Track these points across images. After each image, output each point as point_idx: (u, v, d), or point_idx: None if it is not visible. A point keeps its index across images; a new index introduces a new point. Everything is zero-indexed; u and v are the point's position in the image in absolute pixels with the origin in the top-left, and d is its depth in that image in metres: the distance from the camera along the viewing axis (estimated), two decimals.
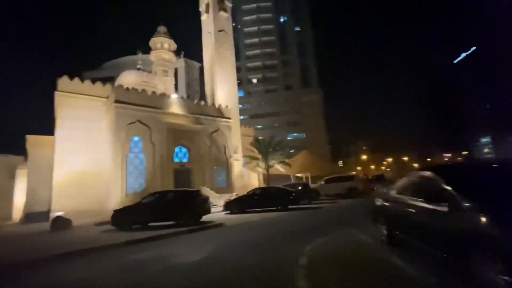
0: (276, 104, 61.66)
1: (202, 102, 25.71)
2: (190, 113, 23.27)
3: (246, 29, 66.55)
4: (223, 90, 29.72)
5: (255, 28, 66.38)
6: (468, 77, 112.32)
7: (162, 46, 49.50)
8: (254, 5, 66.96)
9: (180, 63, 61.19)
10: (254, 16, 66.60)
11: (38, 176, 21.67)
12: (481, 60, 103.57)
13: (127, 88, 20.84)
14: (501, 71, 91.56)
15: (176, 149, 22.58)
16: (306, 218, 10.74)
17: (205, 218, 11.21)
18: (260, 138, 26.15)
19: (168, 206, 10.43)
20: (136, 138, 20.33)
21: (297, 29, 65.87)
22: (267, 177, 23.96)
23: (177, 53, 53.45)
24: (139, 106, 20.52)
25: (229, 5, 33.28)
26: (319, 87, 62.43)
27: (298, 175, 33.57)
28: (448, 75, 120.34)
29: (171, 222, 10.51)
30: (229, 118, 26.40)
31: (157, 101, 21.76)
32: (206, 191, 20.54)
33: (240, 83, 61.11)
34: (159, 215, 10.41)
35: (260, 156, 23.94)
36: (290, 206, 13.43)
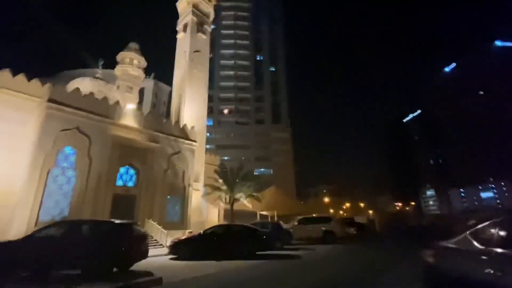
0: (245, 137, 60.01)
1: (164, 120, 22.38)
2: (146, 128, 19.64)
3: (222, 61, 67.06)
4: (191, 110, 26.89)
5: (232, 62, 67.32)
6: (415, 135, 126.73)
7: (131, 61, 46.32)
8: (233, 40, 68.85)
9: (149, 83, 57.78)
10: (232, 51, 68.00)
11: None
12: (426, 121, 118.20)
13: (69, 90, 16.90)
14: (442, 131, 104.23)
15: (122, 170, 18.30)
16: (288, 275, 7.58)
17: (138, 265, 7.44)
18: (225, 162, 22.94)
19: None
20: (68, 150, 15.87)
21: (272, 69, 68.29)
22: (231, 213, 20.33)
23: (147, 72, 50.57)
24: (81, 111, 16.51)
25: (208, 29, 32.40)
26: (289, 126, 62.95)
27: (264, 213, 30.40)
28: (400, 132, 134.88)
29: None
30: (194, 141, 23.16)
31: (106, 109, 17.95)
32: (151, 225, 16.25)
33: (211, 111, 59.06)
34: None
35: (224, 187, 20.54)
36: (259, 252, 10.17)
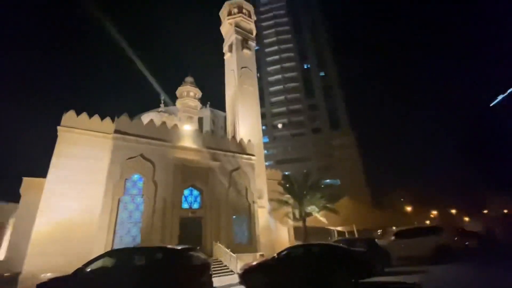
0: (303, 148, 56.88)
1: (220, 136, 21.86)
2: (204, 147, 19.21)
3: (270, 78, 67.13)
4: (246, 126, 26.10)
5: (279, 76, 66.77)
6: (510, 119, 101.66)
7: (188, 94, 49.96)
8: (277, 56, 68.81)
9: (206, 112, 61.42)
10: (278, 66, 67.71)
11: (26, 226, 17.78)
12: None
13: (131, 119, 17.74)
14: None
15: (186, 192, 17.93)
16: None
17: None
18: (288, 174, 20.63)
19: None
20: (136, 177, 16.22)
21: (322, 73, 64.95)
22: (304, 230, 17.64)
23: (203, 102, 53.73)
24: (143, 138, 16.98)
25: (253, 45, 32.26)
26: (350, 129, 57.37)
27: (339, 228, 26.53)
28: (489, 119, 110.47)
29: None
30: (252, 155, 21.87)
31: (165, 133, 18.22)
32: (219, 248, 14.89)
33: (265, 129, 58.48)
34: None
35: (292, 201, 18.19)
36: (361, 280, 7.43)
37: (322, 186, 19.15)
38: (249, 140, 22.47)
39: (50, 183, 16.92)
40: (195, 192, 18.34)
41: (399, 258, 11.97)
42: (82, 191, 17.03)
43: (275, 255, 9.05)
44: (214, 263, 14.77)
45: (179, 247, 6.41)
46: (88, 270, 5.72)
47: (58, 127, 18.69)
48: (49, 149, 18.97)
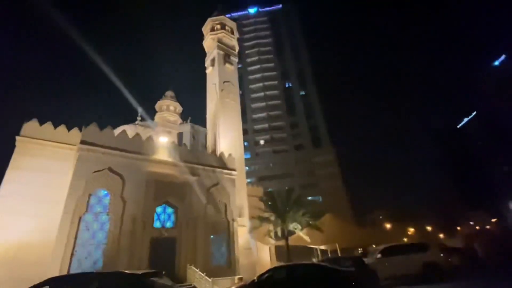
0: (286, 165, 56.62)
1: (199, 149, 20.83)
2: (181, 161, 18.01)
3: (252, 95, 67.75)
4: (227, 139, 25.28)
5: (261, 94, 67.60)
6: (477, 140, 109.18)
7: (168, 108, 48.69)
8: (259, 74, 70.08)
9: (186, 127, 59.85)
10: (260, 84, 68.76)
11: None
12: (486, 122, 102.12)
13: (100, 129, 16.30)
14: (507, 133, 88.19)
15: (158, 209, 16.41)
16: None
17: None
18: (270, 190, 19.73)
19: None
20: (102, 192, 14.60)
21: (302, 93, 66.63)
22: (287, 249, 16.54)
23: (184, 118, 52.61)
24: (113, 150, 15.57)
25: (235, 60, 32.33)
26: (331, 147, 58.25)
27: (322, 247, 25.64)
28: (457, 140, 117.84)
29: None
30: (233, 170, 20.89)
31: (138, 145, 16.91)
32: (193, 272, 13.43)
33: (247, 145, 57.89)
34: None
35: (273, 218, 17.19)
36: None
37: (307, 200, 18.37)
38: (230, 154, 21.57)
39: (3, 198, 14.84)
40: (169, 210, 16.86)
41: (386, 277, 11.26)
42: (40, 208, 15.08)
43: (254, 278, 8.00)
44: None
45: (139, 272, 5.25)
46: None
47: (17, 137, 16.82)
48: (5, 161, 16.89)
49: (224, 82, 28.84)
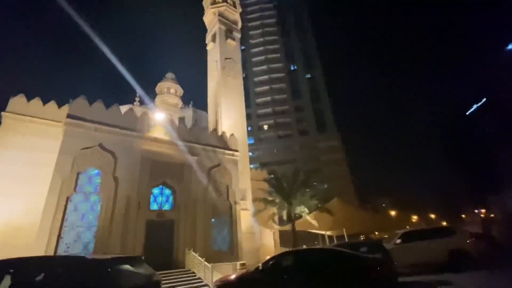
0: (290, 150, 55.18)
1: (198, 127, 19.45)
2: (179, 140, 16.65)
3: (256, 79, 65.39)
4: (229, 120, 23.81)
5: (265, 77, 65.19)
6: (486, 127, 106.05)
7: (169, 91, 47.03)
8: (263, 57, 67.35)
9: (188, 112, 58.44)
10: (264, 66, 66.18)
11: None
12: (497, 108, 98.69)
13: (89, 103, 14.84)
14: None
15: (155, 191, 15.22)
16: None
17: None
18: (275, 171, 18.40)
19: None
20: (92, 171, 13.38)
21: (308, 75, 64.10)
22: (293, 234, 15.38)
23: (185, 102, 50.82)
24: (104, 125, 14.21)
25: (237, 35, 30.24)
26: (336, 132, 56.47)
27: (328, 233, 24.60)
28: (465, 127, 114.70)
29: None
30: (236, 151, 19.54)
31: (132, 122, 15.52)
32: (192, 257, 12.34)
33: (250, 130, 56.30)
34: None
35: (279, 200, 15.94)
36: None
37: (314, 184, 17.06)
38: (232, 134, 20.15)
39: None
40: (167, 191, 15.68)
41: (407, 265, 9.99)
42: (28, 188, 13.94)
43: (259, 265, 6.74)
44: (185, 276, 12.18)
45: (108, 257, 4.00)
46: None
47: (3, 113, 15.51)
48: None
49: (226, 58, 27.01)
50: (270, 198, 16.44)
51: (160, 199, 15.25)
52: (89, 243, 12.11)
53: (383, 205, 65.17)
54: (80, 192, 12.69)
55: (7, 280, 3.60)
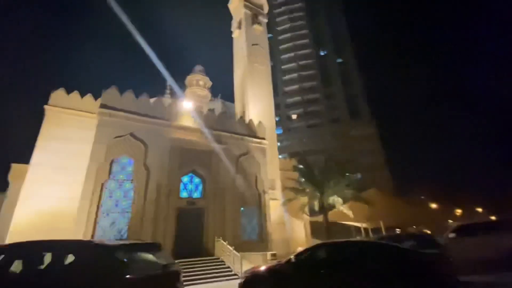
0: (320, 140, 53.09)
1: (226, 115, 19.11)
2: (207, 128, 16.45)
3: (283, 67, 63.57)
4: (257, 108, 23.16)
5: (293, 64, 63.04)
6: None
7: (197, 83, 47.66)
8: (291, 43, 65.01)
9: (217, 104, 59.09)
10: (292, 54, 63.96)
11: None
12: None
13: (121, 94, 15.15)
14: None
15: (185, 179, 15.28)
16: None
17: None
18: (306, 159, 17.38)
19: None
20: (124, 159, 13.73)
21: (339, 60, 60.59)
22: (326, 225, 14.48)
23: (214, 95, 51.22)
24: (134, 114, 14.45)
25: (264, 20, 29.13)
26: (371, 119, 52.93)
27: (364, 225, 23.12)
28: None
29: None
30: (263, 139, 18.92)
31: (161, 111, 15.62)
32: (221, 246, 12.14)
33: (279, 120, 55.19)
34: None
35: (310, 189, 15.05)
36: None
37: (347, 174, 15.81)
38: (260, 122, 19.53)
39: (34, 168, 14.83)
40: (196, 180, 15.67)
41: (463, 263, 8.63)
42: (68, 177, 14.80)
43: (291, 257, 6.10)
44: (214, 264, 12.05)
45: (118, 243, 3.64)
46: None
47: (45, 106, 16.53)
48: (38, 132, 16.87)
49: (253, 45, 26.17)
50: (300, 188, 15.62)
51: (190, 187, 15.29)
52: (123, 228, 12.49)
53: (422, 197, 60.45)
54: (114, 179, 13.09)
55: (18, 264, 3.43)
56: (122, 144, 13.66)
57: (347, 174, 16.35)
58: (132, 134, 14.02)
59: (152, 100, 16.92)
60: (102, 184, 12.59)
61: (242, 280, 6.40)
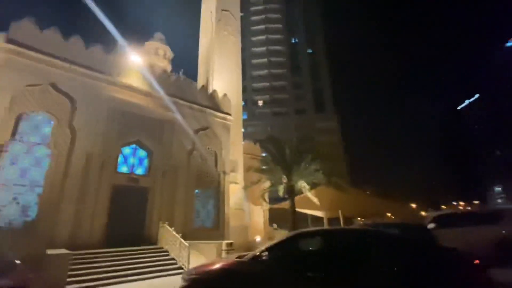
0: (285, 129, 52.44)
1: (185, 81, 16.32)
2: (161, 92, 13.51)
3: (253, 49, 60.89)
4: (223, 81, 20.58)
5: (264, 48, 60.79)
6: (474, 123, 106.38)
7: (157, 52, 42.37)
8: (263, 26, 62.47)
9: None
10: (263, 37, 61.54)
11: None
12: (487, 106, 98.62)
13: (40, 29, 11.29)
14: (508, 116, 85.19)
15: (126, 150, 12.32)
16: None
17: None
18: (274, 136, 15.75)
19: None
20: (39, 116, 10.25)
21: (310, 50, 60.15)
22: (292, 213, 12.99)
23: (176, 70, 46.44)
24: (61, 60, 10.88)
25: None
26: (335, 113, 53.96)
27: (319, 214, 22.70)
28: (455, 121, 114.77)
29: None
30: (228, 114, 16.64)
31: (100, 61, 12.18)
32: (166, 231, 9.80)
33: (245, 105, 52.91)
34: None
35: (278, 172, 13.39)
36: None
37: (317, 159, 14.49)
38: (225, 94, 17.12)
39: None
40: (141, 153, 12.79)
41: None
42: None
43: (257, 252, 4.13)
44: (155, 254, 9.69)
45: None
46: None
47: None
48: None
49: (223, 10, 23.20)
50: (266, 168, 13.86)
51: (132, 161, 12.39)
52: (31, 207, 9.27)
53: (367, 192, 64.76)
54: (21, 142, 9.62)
55: None
56: (37, 96, 10.12)
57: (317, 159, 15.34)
58: (53, 85, 10.52)
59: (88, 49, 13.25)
60: (1, 146, 9.08)
61: (186, 284, 4.26)
